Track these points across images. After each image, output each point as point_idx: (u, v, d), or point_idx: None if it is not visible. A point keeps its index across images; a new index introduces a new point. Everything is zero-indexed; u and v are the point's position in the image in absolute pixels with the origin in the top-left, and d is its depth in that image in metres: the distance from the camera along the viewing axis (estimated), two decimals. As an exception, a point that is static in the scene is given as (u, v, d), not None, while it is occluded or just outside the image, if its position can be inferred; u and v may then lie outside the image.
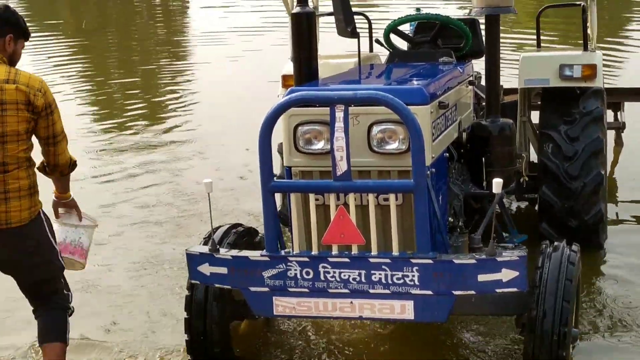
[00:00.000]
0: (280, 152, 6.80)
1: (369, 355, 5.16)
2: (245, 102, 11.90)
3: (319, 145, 4.48)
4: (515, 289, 4.18)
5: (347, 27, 5.85)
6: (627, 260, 6.39)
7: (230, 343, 4.97)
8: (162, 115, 12.73)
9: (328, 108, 4.24)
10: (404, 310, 4.25)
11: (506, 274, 4.15)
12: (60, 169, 4.92)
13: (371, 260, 4.24)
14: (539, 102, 7.02)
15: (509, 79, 6.81)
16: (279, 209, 6.37)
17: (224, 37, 18.43)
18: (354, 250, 4.30)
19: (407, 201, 4.38)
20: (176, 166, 9.74)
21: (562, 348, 4.37)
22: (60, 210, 5.15)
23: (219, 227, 4.97)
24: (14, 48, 4.86)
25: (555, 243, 4.63)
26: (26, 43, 5.00)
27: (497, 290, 4.21)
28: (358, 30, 5.25)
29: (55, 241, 4.95)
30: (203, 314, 4.82)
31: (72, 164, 4.99)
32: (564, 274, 4.42)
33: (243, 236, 4.96)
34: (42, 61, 16.49)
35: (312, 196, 4.44)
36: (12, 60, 4.88)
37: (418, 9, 7.93)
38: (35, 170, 4.84)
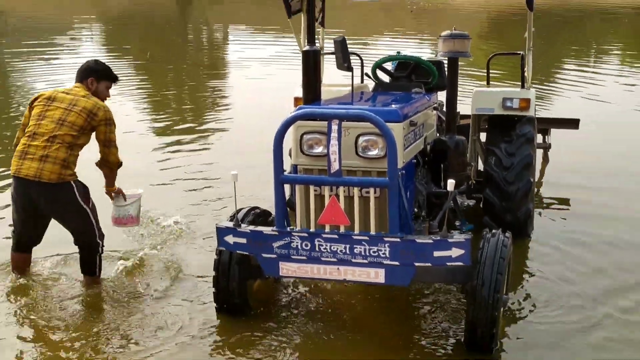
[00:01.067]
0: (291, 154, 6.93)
1: (347, 309, 5.22)
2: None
3: (319, 149, 4.58)
4: (461, 263, 4.27)
5: (344, 63, 5.97)
6: (547, 245, 6.46)
7: (247, 296, 5.05)
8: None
9: (326, 122, 4.35)
10: (377, 275, 4.35)
11: (455, 252, 4.24)
12: (109, 165, 5.51)
13: (354, 237, 4.34)
14: (486, 126, 7.09)
15: (467, 106, 6.86)
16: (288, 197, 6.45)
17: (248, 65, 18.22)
18: (341, 229, 4.40)
19: (383, 194, 4.47)
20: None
21: (495, 309, 4.44)
22: (113, 195, 5.73)
23: (241, 208, 5.04)
24: (96, 87, 5.50)
25: (493, 231, 4.70)
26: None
27: (448, 264, 4.29)
28: (352, 65, 5.32)
29: (88, 205, 5.36)
30: (227, 273, 4.91)
31: (119, 164, 5.56)
32: (499, 253, 4.48)
33: (259, 216, 5.03)
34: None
35: (312, 188, 4.54)
36: (97, 97, 5.50)
37: (398, 52, 7.98)
38: (77, 158, 5.33)
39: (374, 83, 6.37)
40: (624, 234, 6.76)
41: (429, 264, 4.30)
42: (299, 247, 4.42)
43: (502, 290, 4.50)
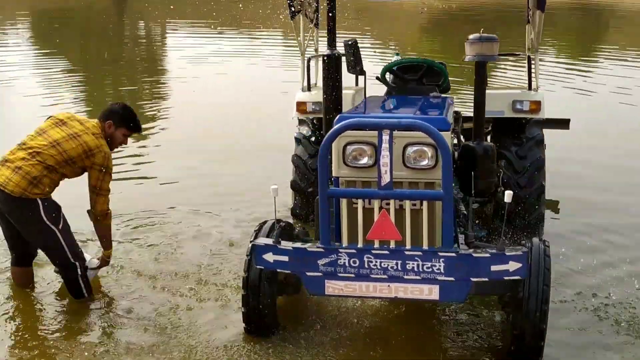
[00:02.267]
0: (295, 164, 6.69)
1: (378, 332, 5.00)
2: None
3: (364, 160, 4.39)
4: (518, 277, 4.15)
5: (356, 67, 5.77)
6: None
7: (276, 314, 4.82)
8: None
9: (371, 132, 4.17)
10: (431, 292, 4.19)
11: (512, 265, 4.12)
12: (95, 212, 5.24)
13: (406, 252, 4.17)
14: (488, 129, 6.99)
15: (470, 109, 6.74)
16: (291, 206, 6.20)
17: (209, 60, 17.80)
18: (392, 245, 4.21)
19: (431, 207, 4.31)
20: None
21: (543, 322, 4.33)
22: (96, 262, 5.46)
23: (265, 222, 4.82)
24: (113, 132, 5.30)
25: (533, 240, 4.57)
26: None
27: (505, 278, 4.17)
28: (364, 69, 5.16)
29: (57, 226, 5.08)
30: (257, 292, 4.66)
31: (107, 215, 5.29)
32: (544, 264, 4.38)
33: (284, 229, 4.81)
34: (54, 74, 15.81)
35: (359, 201, 4.35)
36: (111, 142, 5.31)
37: (397, 53, 7.85)
38: (53, 182, 5.09)
39: (370, 85, 6.21)
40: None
41: (486, 279, 4.17)
42: (347, 264, 4.22)
43: (549, 302, 4.40)
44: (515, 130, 6.53)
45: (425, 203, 4.26)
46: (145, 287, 5.57)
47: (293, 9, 6.68)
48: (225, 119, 11.51)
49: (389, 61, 6.74)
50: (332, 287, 4.27)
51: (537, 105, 6.44)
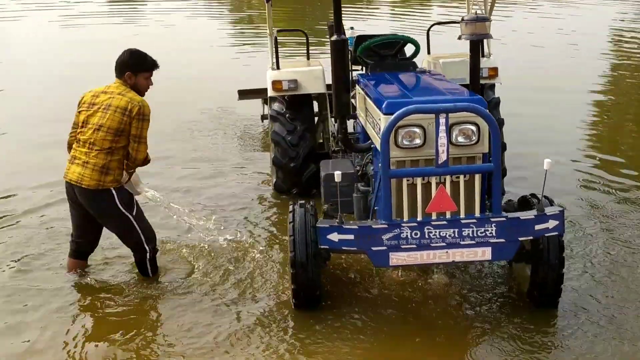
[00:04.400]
0: (275, 140, 7.01)
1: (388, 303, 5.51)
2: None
3: (416, 141, 4.84)
4: (557, 233, 4.82)
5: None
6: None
7: (322, 287, 5.25)
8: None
9: (420, 115, 4.65)
10: (484, 254, 4.74)
11: (552, 223, 4.77)
12: (136, 162, 5.49)
13: (462, 221, 4.71)
14: None
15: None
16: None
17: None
18: (447, 215, 4.75)
19: (471, 179, 4.85)
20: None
21: (562, 267, 5.08)
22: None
23: (295, 204, 5.24)
24: (135, 81, 5.50)
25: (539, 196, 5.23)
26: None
27: (546, 235, 4.83)
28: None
29: (131, 213, 5.51)
30: (305, 268, 5.06)
31: (147, 160, 5.58)
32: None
33: (314, 208, 5.25)
34: None
35: (407, 180, 4.78)
36: (137, 89, 5.53)
37: (352, 27, 8.25)
38: (121, 162, 5.41)
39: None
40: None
41: (531, 237, 4.81)
42: (409, 236, 4.70)
43: (564, 250, 5.13)
44: None
45: (477, 176, 4.82)
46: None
47: None
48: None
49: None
50: (396, 258, 4.74)
51: (494, 71, 7.13)
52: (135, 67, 5.47)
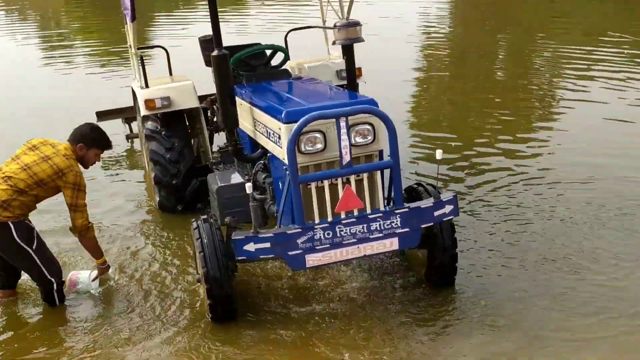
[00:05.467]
0: (154, 159, 7.07)
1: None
2: None
3: (318, 146, 5.07)
4: (453, 216, 5.24)
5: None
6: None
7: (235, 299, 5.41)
8: None
9: (319, 121, 4.91)
10: (392, 244, 5.06)
11: (448, 208, 5.18)
12: (76, 229, 5.68)
13: (370, 216, 5.02)
14: None
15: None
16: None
17: None
18: (355, 213, 5.04)
19: (371, 176, 5.16)
20: None
21: (455, 247, 5.56)
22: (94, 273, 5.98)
23: (198, 220, 5.41)
24: (85, 154, 5.72)
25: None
26: None
27: (444, 219, 5.23)
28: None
29: (31, 247, 5.51)
30: (220, 282, 5.19)
31: (88, 229, 5.72)
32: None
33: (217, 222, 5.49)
34: None
35: (314, 183, 5.02)
36: (83, 162, 5.77)
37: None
38: (25, 204, 5.47)
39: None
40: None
41: (432, 223, 5.20)
42: (322, 237, 4.95)
43: (455, 231, 5.60)
44: None
45: (378, 173, 5.15)
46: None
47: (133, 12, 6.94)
48: None
49: None
50: (312, 259, 4.97)
51: (359, 71, 7.52)
52: (92, 141, 5.72)
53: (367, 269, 6.09)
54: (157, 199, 7.40)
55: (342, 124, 4.87)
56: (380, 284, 5.86)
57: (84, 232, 5.70)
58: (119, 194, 8.19)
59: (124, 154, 9.67)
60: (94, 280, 5.94)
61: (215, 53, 5.57)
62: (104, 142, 5.83)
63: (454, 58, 15.61)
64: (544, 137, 9.47)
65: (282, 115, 5.13)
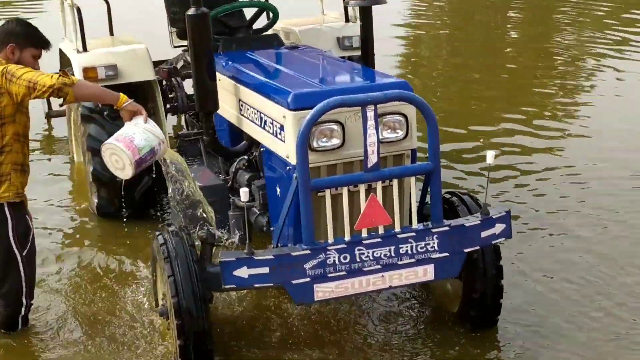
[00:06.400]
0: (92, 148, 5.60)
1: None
2: None
3: (333, 141, 3.88)
4: (504, 238, 4.08)
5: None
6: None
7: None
8: None
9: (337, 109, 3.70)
10: (426, 273, 3.90)
11: (498, 227, 4.02)
12: (56, 88, 4.09)
13: (399, 236, 3.82)
14: None
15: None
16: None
17: None
18: (381, 230, 3.83)
19: (401, 183, 3.97)
20: None
21: (500, 278, 4.34)
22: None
23: (163, 232, 4.08)
24: (19, 56, 4.33)
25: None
26: None
27: (493, 242, 4.07)
28: None
29: (22, 251, 4.35)
30: (192, 317, 3.89)
31: (63, 81, 4.11)
32: None
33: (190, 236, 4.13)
34: None
35: (330, 191, 3.84)
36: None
37: None
38: (15, 163, 4.31)
39: None
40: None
41: (478, 247, 4.02)
42: (337, 261, 3.75)
43: (501, 257, 4.37)
44: None
45: (413, 179, 3.93)
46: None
47: None
48: None
49: None
50: (322, 290, 3.76)
51: None
52: (25, 39, 4.34)
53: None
54: (95, 200, 5.89)
55: (370, 113, 3.66)
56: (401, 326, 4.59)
57: (67, 83, 4.12)
58: (36, 196, 6.16)
59: (40, 138, 7.84)
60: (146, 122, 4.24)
61: (191, 12, 4.30)
62: (38, 38, 4.42)
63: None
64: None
65: (289, 99, 3.90)
